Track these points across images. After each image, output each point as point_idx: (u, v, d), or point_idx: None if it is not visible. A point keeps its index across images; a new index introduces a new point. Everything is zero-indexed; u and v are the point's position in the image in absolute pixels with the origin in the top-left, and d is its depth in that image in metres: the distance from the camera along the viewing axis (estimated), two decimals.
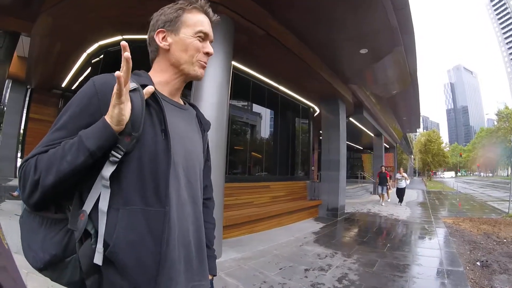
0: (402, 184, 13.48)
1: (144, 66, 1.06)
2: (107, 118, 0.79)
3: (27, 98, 11.50)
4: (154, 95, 0.91)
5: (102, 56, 6.94)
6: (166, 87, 1.02)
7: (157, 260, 0.82)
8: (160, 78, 1.01)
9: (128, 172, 0.84)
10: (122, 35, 6.36)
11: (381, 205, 12.94)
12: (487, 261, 4.76)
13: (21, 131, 11.69)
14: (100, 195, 0.81)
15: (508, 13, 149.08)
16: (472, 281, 3.97)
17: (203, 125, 1.17)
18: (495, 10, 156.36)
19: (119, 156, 0.82)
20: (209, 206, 1.27)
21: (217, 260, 4.44)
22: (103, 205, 0.80)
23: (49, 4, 5.46)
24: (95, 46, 6.90)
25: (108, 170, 0.81)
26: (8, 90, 11.14)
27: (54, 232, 0.83)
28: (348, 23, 6.03)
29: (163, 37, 1.00)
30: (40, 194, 0.78)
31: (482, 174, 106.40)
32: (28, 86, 11.14)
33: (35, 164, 0.78)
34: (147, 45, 1.05)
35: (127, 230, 0.81)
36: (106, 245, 0.79)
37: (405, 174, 13.70)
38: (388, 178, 13.53)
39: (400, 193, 13.49)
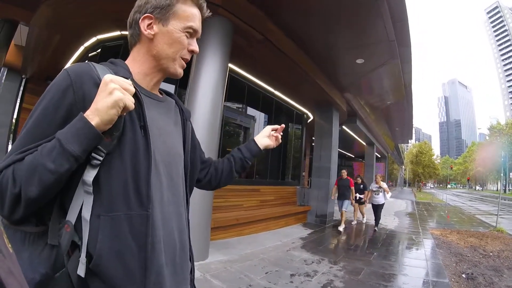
0: (380, 199, 9.12)
1: None
2: (91, 116, 0.72)
3: (22, 88, 11.39)
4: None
5: (99, 50, 6.90)
6: (145, 79, 0.94)
7: (143, 266, 0.77)
8: (140, 68, 0.93)
9: (108, 174, 0.77)
10: (121, 30, 6.35)
11: (338, 230, 8.41)
12: (472, 274, 4.80)
13: (14, 121, 11.57)
14: (83, 203, 0.75)
15: (506, 30, 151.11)
16: None
17: (184, 113, 1.09)
18: (493, 27, 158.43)
19: (101, 159, 0.75)
20: (217, 160, 1.34)
21: (203, 262, 4.42)
22: (87, 213, 0.74)
23: None
24: (93, 40, 6.86)
25: (90, 175, 0.74)
26: (3, 78, 11.01)
27: (40, 248, 0.73)
28: (347, 33, 6.12)
29: (149, 25, 0.90)
30: (25, 209, 0.70)
31: (478, 188, 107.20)
32: (23, 76, 11.02)
33: (13, 176, 0.69)
34: (128, 27, 0.96)
35: (110, 239, 0.75)
36: (89, 257, 0.73)
37: (384, 184, 9.09)
38: (352, 188, 9.25)
39: (377, 211, 9.19)
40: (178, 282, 0.90)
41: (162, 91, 1.06)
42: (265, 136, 1.36)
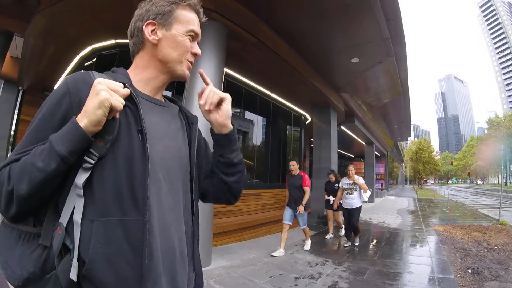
0: (353, 200, 6.48)
1: None
2: (80, 118, 0.73)
3: (19, 99, 11.41)
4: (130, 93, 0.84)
5: (95, 59, 6.89)
6: (148, 84, 0.96)
7: (140, 274, 0.76)
8: (142, 74, 0.95)
9: (101, 178, 0.77)
10: (115, 39, 6.35)
11: (274, 255, 5.45)
12: (478, 268, 4.79)
13: (12, 132, 11.56)
14: (75, 206, 0.76)
15: (499, 23, 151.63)
16: None
17: (189, 118, 1.09)
18: (486, 20, 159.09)
19: (93, 162, 0.76)
20: None
21: (205, 268, 4.35)
22: (78, 217, 0.75)
23: (44, 5, 5.44)
24: (88, 49, 6.86)
25: (81, 178, 0.75)
26: (0, 90, 11.03)
27: (32, 248, 0.76)
28: (341, 33, 6.12)
29: (153, 30, 0.93)
30: (17, 206, 0.73)
31: (479, 182, 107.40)
32: (20, 87, 11.05)
33: (9, 174, 0.73)
34: (129, 36, 0.98)
35: (103, 244, 0.74)
36: (81, 261, 0.74)
37: (360, 180, 6.48)
38: (305, 188, 5.82)
39: (351, 218, 6.52)
40: None
41: (166, 98, 1.07)
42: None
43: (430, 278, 4.42)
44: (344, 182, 6.67)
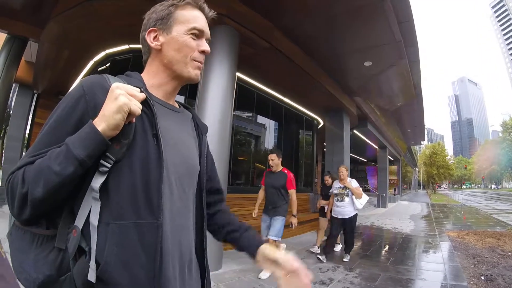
0: (346, 208, 5.53)
1: None
2: (98, 122, 0.73)
3: (33, 103, 11.64)
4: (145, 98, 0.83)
5: (108, 64, 6.99)
6: (160, 89, 0.96)
7: (152, 277, 0.76)
8: (153, 80, 0.95)
9: (117, 182, 0.77)
10: (129, 44, 6.43)
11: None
12: (491, 275, 4.70)
13: (26, 135, 11.80)
14: (91, 209, 0.76)
15: None
16: None
17: (200, 128, 1.09)
18: (499, 21, 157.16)
19: (109, 166, 0.76)
20: (226, 209, 1.22)
21: (216, 272, 4.34)
22: (94, 220, 0.75)
23: (58, 11, 5.55)
24: (102, 54, 6.96)
25: (97, 181, 0.75)
26: (15, 94, 11.28)
27: (47, 251, 0.76)
28: (353, 36, 6.08)
29: (155, 37, 0.94)
30: (31, 209, 0.72)
31: (493, 186, 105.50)
32: (34, 91, 11.27)
33: (23, 176, 0.72)
34: (141, 45, 1.00)
35: (118, 247, 0.75)
36: (97, 263, 0.74)
37: (353, 183, 5.52)
38: (291, 191, 4.67)
39: (344, 230, 5.68)
40: None
41: (179, 104, 1.07)
42: (274, 260, 0.95)
43: (443, 285, 4.36)
44: (335, 186, 5.78)
